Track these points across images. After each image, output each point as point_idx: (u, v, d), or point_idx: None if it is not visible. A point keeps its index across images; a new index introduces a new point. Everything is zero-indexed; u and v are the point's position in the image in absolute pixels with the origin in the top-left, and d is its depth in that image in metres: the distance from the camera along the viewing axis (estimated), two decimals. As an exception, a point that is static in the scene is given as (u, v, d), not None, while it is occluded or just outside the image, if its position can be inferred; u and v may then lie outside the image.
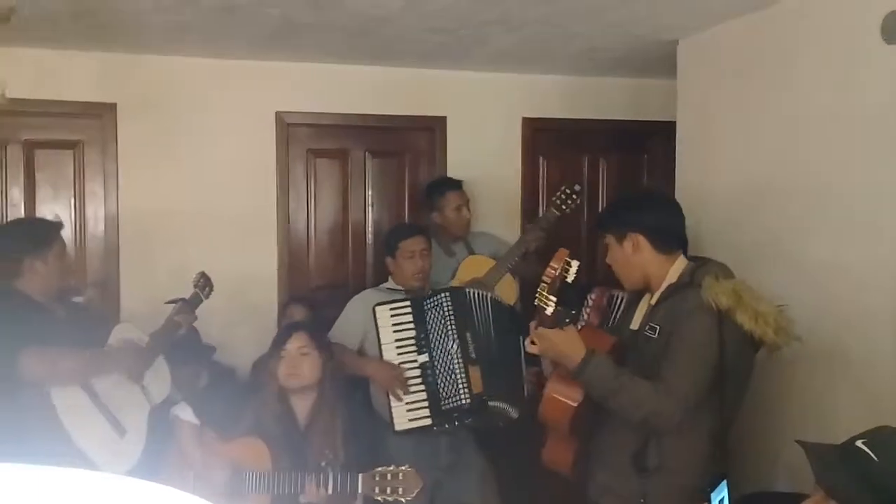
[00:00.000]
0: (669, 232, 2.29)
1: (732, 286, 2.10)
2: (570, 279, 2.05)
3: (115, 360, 2.69)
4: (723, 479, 1.61)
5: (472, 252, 3.81)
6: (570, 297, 2.10)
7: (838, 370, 2.77)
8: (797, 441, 1.64)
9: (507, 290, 3.51)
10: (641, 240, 2.25)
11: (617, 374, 2.08)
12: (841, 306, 2.77)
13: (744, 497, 1.93)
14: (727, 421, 2.23)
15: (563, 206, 3.60)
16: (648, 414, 2.08)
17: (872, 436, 1.53)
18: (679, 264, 2.26)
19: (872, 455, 1.48)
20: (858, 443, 1.52)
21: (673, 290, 2.20)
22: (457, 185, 3.96)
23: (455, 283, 3.54)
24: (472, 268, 3.66)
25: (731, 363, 2.10)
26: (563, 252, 2.09)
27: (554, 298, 2.06)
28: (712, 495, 1.58)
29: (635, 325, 2.31)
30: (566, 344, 2.10)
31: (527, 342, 2.20)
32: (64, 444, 2.45)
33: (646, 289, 2.33)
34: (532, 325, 2.17)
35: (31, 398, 2.50)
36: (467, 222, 3.90)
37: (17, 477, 0.60)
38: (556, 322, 2.09)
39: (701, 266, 2.23)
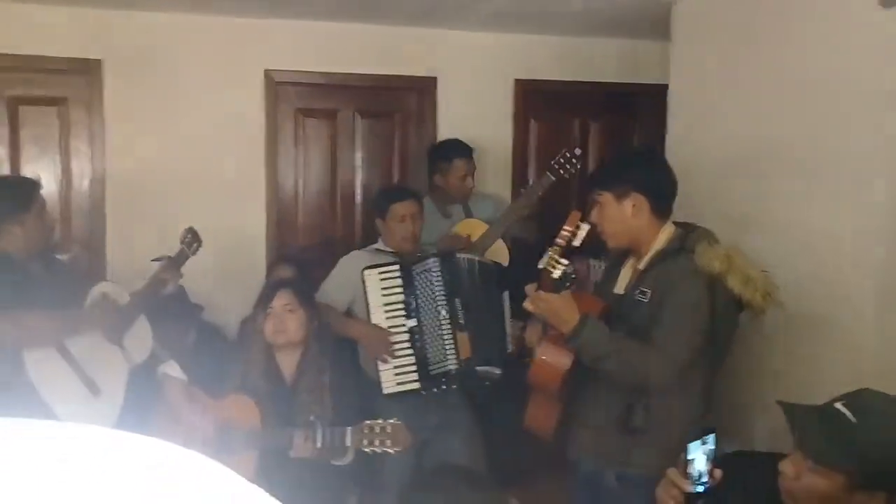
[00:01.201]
0: (669, 195, 2.28)
1: (725, 251, 2.13)
2: (577, 243, 2.05)
3: (89, 321, 2.64)
4: (711, 433, 1.63)
5: (469, 215, 3.77)
6: (571, 260, 2.10)
7: (822, 335, 2.80)
8: (778, 402, 1.66)
9: (499, 255, 3.50)
10: (642, 200, 2.22)
11: (611, 338, 2.11)
12: (827, 273, 2.79)
13: (723, 456, 1.96)
14: (712, 382, 2.27)
15: (562, 171, 3.43)
16: (641, 376, 2.11)
17: (852, 398, 1.54)
18: (668, 229, 2.26)
19: (851, 417, 1.50)
20: (838, 405, 1.53)
21: (663, 255, 2.20)
22: (466, 152, 3.85)
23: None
24: (468, 230, 3.63)
25: (720, 326, 2.14)
26: (576, 215, 2.08)
27: (565, 262, 2.05)
28: (690, 446, 1.59)
29: (620, 289, 2.31)
30: (563, 308, 2.10)
31: (526, 302, 2.19)
32: (35, 405, 2.42)
33: (627, 252, 2.33)
34: (531, 287, 2.15)
35: (2, 359, 2.46)
36: (470, 191, 3.84)
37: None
38: (555, 286, 2.09)
39: (691, 232, 2.24)
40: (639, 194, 2.22)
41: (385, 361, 2.91)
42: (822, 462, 1.51)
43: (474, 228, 3.62)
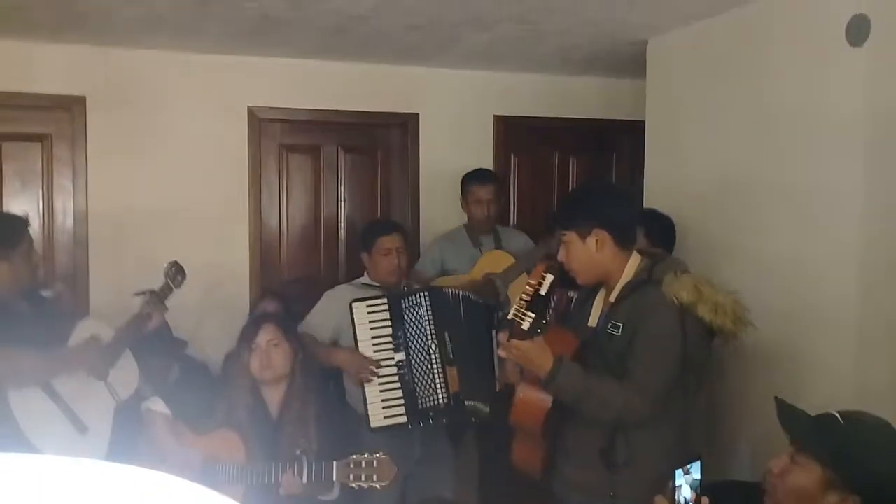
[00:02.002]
0: (630, 227, 2.29)
1: (692, 281, 2.14)
2: (543, 292, 2.06)
3: (76, 360, 2.62)
4: (697, 461, 1.66)
5: (499, 246, 3.83)
6: (540, 307, 2.09)
7: (802, 365, 2.85)
8: (775, 398, 1.72)
9: (521, 290, 3.53)
10: (605, 235, 2.22)
11: (585, 377, 2.11)
12: (803, 301, 2.85)
13: (710, 485, 1.98)
14: (690, 410, 2.29)
15: None
16: (618, 412, 2.12)
17: (848, 411, 1.62)
18: (634, 260, 2.26)
19: (840, 420, 1.57)
20: (833, 412, 1.62)
21: (632, 287, 2.21)
22: (483, 178, 3.93)
23: (471, 275, 3.58)
24: (492, 262, 3.68)
25: (693, 355, 2.15)
26: (539, 268, 2.08)
27: (532, 315, 2.05)
28: (677, 472, 1.62)
29: (593, 321, 2.31)
30: (536, 354, 2.09)
31: (499, 350, 2.19)
32: (21, 445, 2.38)
33: (598, 284, 2.33)
34: (502, 335, 2.15)
35: None
36: (490, 218, 3.87)
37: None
38: (526, 333, 2.08)
39: (658, 262, 2.25)
40: (601, 230, 2.23)
41: (368, 381, 2.90)
42: (803, 445, 1.59)
43: (500, 260, 3.67)
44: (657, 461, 2.16)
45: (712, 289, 2.15)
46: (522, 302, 2.06)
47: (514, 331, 2.10)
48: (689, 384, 2.21)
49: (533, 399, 2.22)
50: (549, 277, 2.06)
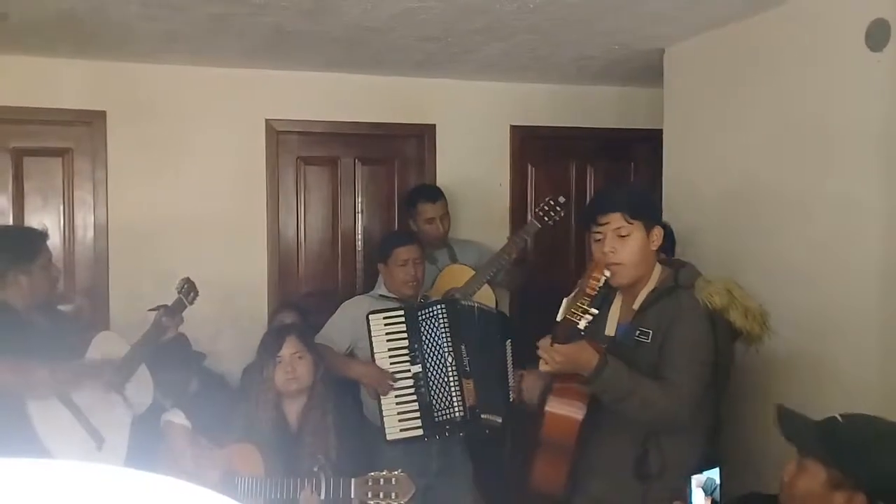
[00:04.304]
0: (671, 233, 2.28)
1: (724, 285, 2.12)
2: (594, 293, 2.02)
3: (92, 376, 2.63)
4: (714, 467, 1.64)
5: (455, 260, 3.75)
6: (599, 304, 2.02)
7: (824, 374, 2.81)
8: (776, 405, 1.71)
9: (485, 301, 3.48)
10: (661, 234, 2.19)
11: (630, 376, 2.05)
12: (823, 310, 2.81)
13: (736, 498, 1.96)
14: (719, 418, 2.26)
15: (546, 218, 3.41)
16: (658, 414, 2.06)
17: (850, 413, 1.62)
18: (658, 268, 2.23)
19: (840, 419, 1.58)
20: (836, 415, 1.62)
21: (659, 294, 2.17)
22: (431, 196, 3.81)
23: (433, 292, 3.48)
24: (452, 277, 3.60)
25: (721, 359, 2.13)
26: (600, 261, 2.04)
27: (595, 311, 1.98)
28: (693, 478, 1.61)
29: (610, 330, 2.26)
30: (579, 354, 2.04)
31: (541, 363, 2.11)
32: (40, 456, 2.40)
33: (608, 292, 2.27)
34: (544, 341, 2.08)
35: (6, 409, 2.46)
36: (442, 234, 3.77)
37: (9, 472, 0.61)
38: (567, 337, 2.03)
39: (681, 269, 2.22)
40: (660, 227, 2.20)
41: (385, 394, 2.89)
42: (806, 450, 1.59)
43: (460, 274, 3.59)
44: (690, 470, 2.13)
45: (743, 293, 2.13)
46: (586, 298, 2.01)
47: (559, 334, 2.05)
48: (717, 390, 2.18)
49: (566, 410, 2.17)
50: (607, 273, 2.03)
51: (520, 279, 3.75)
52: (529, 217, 3.68)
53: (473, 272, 3.55)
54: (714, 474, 1.64)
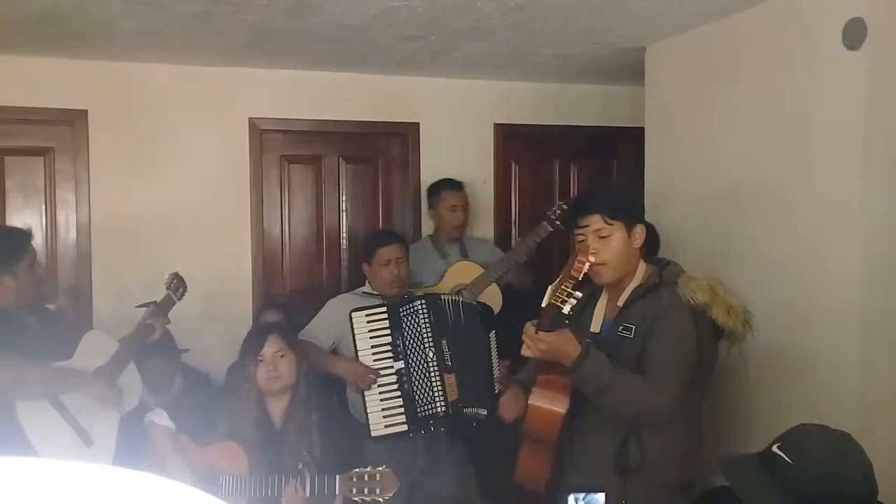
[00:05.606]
0: (654, 230, 2.29)
1: (707, 282, 2.13)
2: (580, 277, 2.02)
3: (81, 384, 2.61)
4: (601, 492, 1.62)
5: (465, 256, 3.86)
6: (583, 289, 2.02)
7: (805, 371, 2.84)
8: (719, 456, 1.65)
9: (492, 300, 3.53)
10: (643, 232, 2.21)
11: (612, 369, 2.05)
12: (803, 308, 2.84)
13: (713, 490, 1.98)
14: (701, 414, 2.27)
15: (557, 222, 3.52)
16: (640, 409, 2.08)
17: (787, 438, 1.52)
18: (643, 265, 2.25)
19: (787, 459, 1.47)
20: (774, 448, 1.51)
21: (643, 290, 2.19)
22: (456, 185, 4.07)
23: (441, 286, 3.57)
24: (461, 273, 3.69)
25: (703, 356, 2.14)
26: (587, 246, 2.05)
27: (579, 294, 1.98)
28: (570, 498, 1.59)
29: (595, 327, 2.27)
30: (563, 343, 2.05)
31: (523, 349, 2.13)
32: (28, 455, 2.39)
33: (593, 290, 2.29)
34: (530, 327, 2.09)
35: None
36: (461, 223, 3.98)
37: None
38: (552, 324, 2.04)
39: (665, 266, 2.24)
40: (643, 226, 2.22)
41: (368, 389, 2.91)
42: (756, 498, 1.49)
43: (469, 270, 3.68)
44: (670, 466, 2.15)
45: (726, 290, 2.14)
46: (570, 281, 2.02)
47: (545, 319, 2.05)
48: (699, 387, 2.20)
49: (549, 403, 2.18)
50: (592, 258, 2.03)
51: (528, 280, 3.79)
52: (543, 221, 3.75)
53: (482, 270, 3.65)
54: (598, 500, 1.62)
